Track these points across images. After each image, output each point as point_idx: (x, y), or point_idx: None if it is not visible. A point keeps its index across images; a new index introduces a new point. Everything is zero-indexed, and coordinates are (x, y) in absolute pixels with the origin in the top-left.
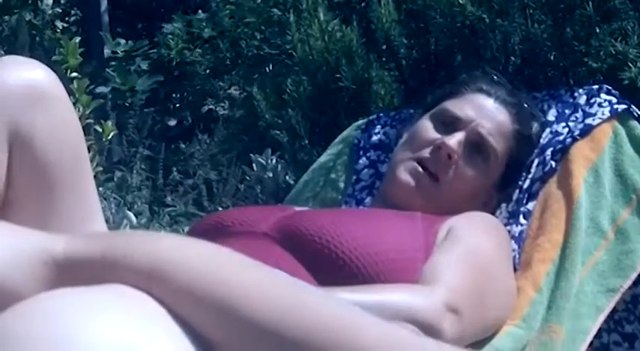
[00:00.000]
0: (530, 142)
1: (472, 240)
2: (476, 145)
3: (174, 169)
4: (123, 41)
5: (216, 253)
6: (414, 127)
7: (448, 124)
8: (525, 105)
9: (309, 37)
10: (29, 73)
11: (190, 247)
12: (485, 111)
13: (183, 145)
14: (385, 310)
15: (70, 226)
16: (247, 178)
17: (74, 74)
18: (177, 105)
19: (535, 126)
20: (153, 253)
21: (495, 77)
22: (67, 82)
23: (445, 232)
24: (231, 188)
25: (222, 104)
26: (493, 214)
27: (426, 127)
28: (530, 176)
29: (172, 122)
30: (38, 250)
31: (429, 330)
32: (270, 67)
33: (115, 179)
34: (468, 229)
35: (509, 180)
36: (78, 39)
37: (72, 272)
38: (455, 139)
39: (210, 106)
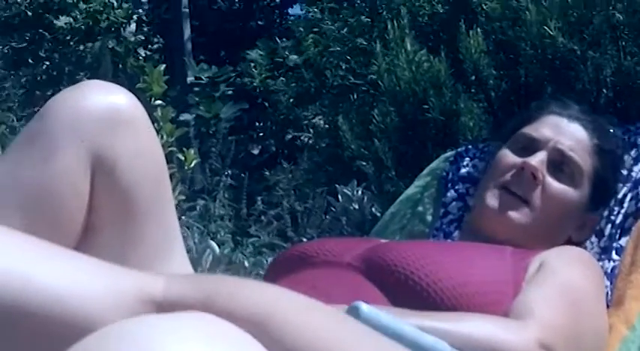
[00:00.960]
0: (612, 158)
1: (566, 275)
2: (559, 163)
3: (259, 198)
4: (206, 66)
5: (319, 309)
6: (494, 158)
7: (527, 147)
8: (601, 121)
9: (396, 67)
10: (112, 98)
11: (295, 302)
12: (561, 129)
13: (267, 173)
14: (474, 341)
15: (150, 252)
16: (332, 209)
17: (158, 102)
18: (261, 134)
19: (615, 142)
20: (257, 306)
21: (567, 101)
22: (150, 109)
23: (536, 266)
24: (316, 219)
25: (307, 133)
26: (585, 243)
27: (506, 154)
28: (622, 211)
29: (256, 151)
30: (137, 291)
31: None
32: (355, 97)
33: (198, 208)
34: (562, 263)
35: (597, 200)
36: (162, 66)
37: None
38: (537, 158)
39: (294, 135)
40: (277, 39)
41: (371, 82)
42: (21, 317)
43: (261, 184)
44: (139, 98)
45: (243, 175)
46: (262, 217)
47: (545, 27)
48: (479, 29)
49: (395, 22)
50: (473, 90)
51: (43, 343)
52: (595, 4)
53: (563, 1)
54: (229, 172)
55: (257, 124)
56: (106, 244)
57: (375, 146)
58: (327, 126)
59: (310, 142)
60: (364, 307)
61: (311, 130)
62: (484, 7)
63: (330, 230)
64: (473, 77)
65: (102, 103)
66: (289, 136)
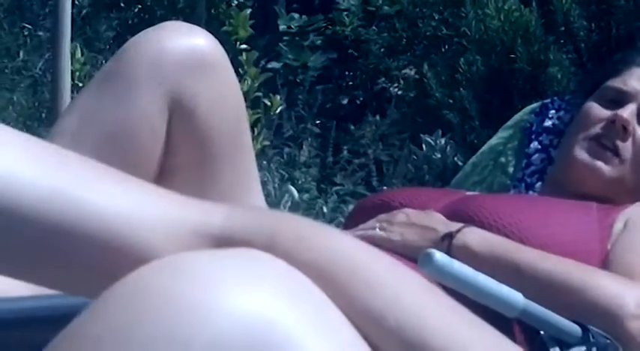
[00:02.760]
0: None
1: None
2: None
3: (344, 147)
4: (297, 16)
5: (395, 271)
6: (580, 111)
7: (615, 100)
8: None
9: (486, 16)
10: (191, 40)
11: (369, 256)
12: None
13: (353, 126)
14: (588, 290)
15: (227, 195)
16: (415, 157)
17: (244, 46)
18: (350, 83)
19: None
20: (325, 253)
21: None
22: (236, 53)
23: (623, 223)
24: (401, 169)
25: (397, 84)
26: None
27: (593, 106)
28: None
29: (344, 100)
30: (193, 223)
31: (624, 323)
32: (447, 48)
33: (284, 155)
34: None
35: None
36: (248, 11)
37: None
38: (628, 111)
39: (384, 86)
40: None
41: (462, 32)
42: (68, 242)
43: (348, 133)
44: (224, 42)
45: (330, 124)
46: (347, 166)
47: None
48: None
49: None
50: (562, 41)
51: (87, 270)
52: None
53: None
54: (316, 120)
55: (346, 73)
56: (181, 186)
57: (461, 95)
58: (416, 76)
59: (399, 92)
60: (437, 255)
61: (401, 81)
62: None
63: (412, 180)
64: (563, 28)
65: (182, 45)
66: (378, 87)
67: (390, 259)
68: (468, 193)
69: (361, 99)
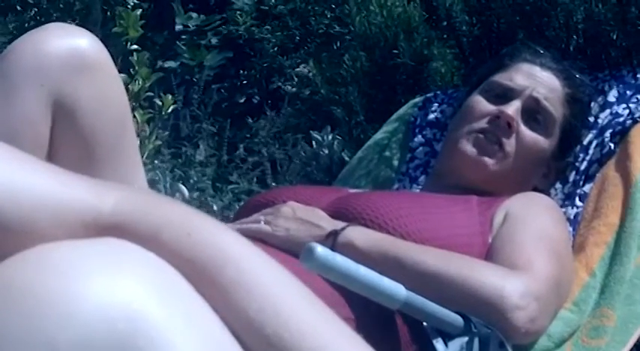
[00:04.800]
0: (582, 106)
1: (539, 223)
2: (533, 112)
3: (240, 146)
4: (195, 15)
5: (274, 266)
6: (466, 103)
7: (501, 95)
8: (572, 70)
9: (369, 12)
10: (73, 41)
11: (253, 255)
12: (536, 78)
13: (250, 120)
14: (469, 282)
15: None
16: (303, 154)
17: (134, 46)
18: (245, 82)
19: (585, 90)
20: (209, 249)
21: (539, 48)
22: (127, 54)
23: (502, 216)
24: (295, 166)
25: (291, 82)
26: (549, 191)
27: (479, 100)
28: (587, 158)
29: (241, 99)
30: (83, 209)
31: (506, 314)
32: (339, 45)
33: (182, 155)
34: (531, 212)
35: (565, 148)
36: (139, 11)
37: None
38: (513, 107)
39: (279, 84)
40: None
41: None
42: None
43: (243, 132)
44: (115, 43)
45: (225, 123)
46: (242, 165)
47: None
48: None
49: None
50: (445, 36)
51: None
52: None
53: None
54: (211, 119)
55: (241, 72)
56: None
57: (346, 91)
58: (310, 74)
59: (294, 90)
60: (319, 249)
61: (295, 78)
62: None
63: (304, 177)
64: (445, 23)
65: (64, 47)
66: (273, 86)
67: (270, 262)
68: (351, 190)
69: (258, 98)
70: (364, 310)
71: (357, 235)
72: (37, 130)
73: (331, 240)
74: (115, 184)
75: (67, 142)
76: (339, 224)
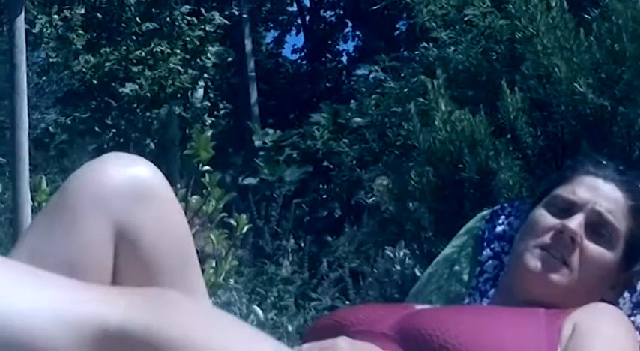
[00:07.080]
0: None
1: (609, 336)
2: (597, 225)
3: (324, 260)
4: (271, 131)
5: None
6: (530, 217)
7: (564, 209)
8: (635, 181)
9: (433, 127)
10: (133, 170)
11: None
12: (598, 191)
13: (330, 238)
14: None
15: None
16: (374, 271)
17: (206, 168)
18: (324, 196)
19: None
20: None
21: (601, 159)
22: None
23: (570, 327)
24: (373, 281)
25: (370, 194)
26: (617, 301)
27: (543, 214)
28: None
29: (323, 214)
30: (93, 323)
31: None
32: (406, 160)
33: (264, 273)
34: (600, 324)
35: (631, 259)
36: (209, 132)
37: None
38: (576, 222)
39: (359, 198)
40: (344, 101)
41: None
42: None
43: (325, 247)
44: (186, 165)
45: (305, 239)
46: (323, 281)
47: (575, 84)
48: (516, 87)
49: (432, 82)
50: (510, 148)
51: None
52: (625, 60)
53: (593, 56)
54: (292, 235)
55: (321, 186)
56: None
57: (414, 207)
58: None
59: (373, 202)
60: None
61: (374, 191)
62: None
63: (378, 291)
64: (509, 135)
65: (122, 177)
66: (354, 199)
67: None
68: (418, 306)
69: (339, 212)
70: None
71: None
72: (101, 260)
73: None
74: (126, 289)
75: (129, 272)
76: None
